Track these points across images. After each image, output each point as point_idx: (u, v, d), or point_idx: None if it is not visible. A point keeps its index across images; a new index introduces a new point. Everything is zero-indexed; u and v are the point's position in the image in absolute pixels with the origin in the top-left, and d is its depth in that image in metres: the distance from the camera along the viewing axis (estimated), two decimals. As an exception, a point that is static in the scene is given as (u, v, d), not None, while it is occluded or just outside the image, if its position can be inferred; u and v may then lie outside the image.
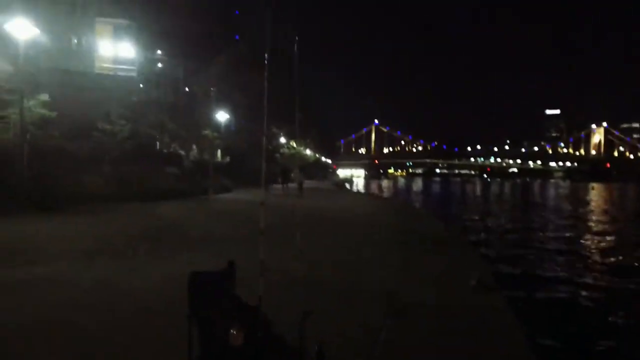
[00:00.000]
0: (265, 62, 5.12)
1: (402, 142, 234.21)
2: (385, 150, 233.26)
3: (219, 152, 41.43)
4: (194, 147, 39.00)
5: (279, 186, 36.87)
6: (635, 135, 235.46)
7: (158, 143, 33.53)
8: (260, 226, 5.50)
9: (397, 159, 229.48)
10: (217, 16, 45.94)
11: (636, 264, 14.91)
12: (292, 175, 44.72)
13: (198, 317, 4.30)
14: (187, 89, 41.36)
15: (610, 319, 9.10)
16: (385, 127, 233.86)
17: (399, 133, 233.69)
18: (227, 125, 38.61)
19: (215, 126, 35.06)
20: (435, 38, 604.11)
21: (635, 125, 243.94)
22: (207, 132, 34.99)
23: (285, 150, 56.81)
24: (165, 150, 34.72)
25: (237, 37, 49.64)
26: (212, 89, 32.70)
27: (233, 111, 39.60)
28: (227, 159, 41.73)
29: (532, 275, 12.68)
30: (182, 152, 37.21)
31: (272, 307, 5.49)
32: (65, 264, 9.21)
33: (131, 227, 14.19)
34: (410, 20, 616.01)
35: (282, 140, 57.45)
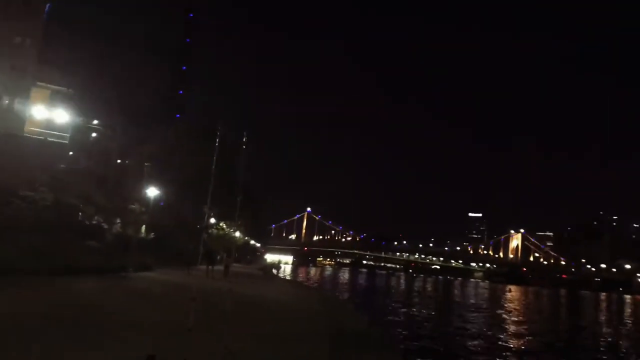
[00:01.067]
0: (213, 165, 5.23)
1: (332, 232, 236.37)
2: (315, 238, 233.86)
3: (143, 228, 40.08)
4: (118, 220, 37.59)
5: (204, 267, 35.79)
6: (549, 243, 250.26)
7: (81, 214, 32.10)
8: (190, 322, 5.26)
9: (326, 248, 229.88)
10: (159, 93, 46.39)
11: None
12: (219, 257, 43.68)
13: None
14: (119, 161, 40.51)
15: None
16: (317, 216, 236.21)
17: (329, 222, 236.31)
18: (156, 201, 37.75)
19: (144, 201, 34.17)
20: (372, 133, 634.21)
21: (549, 234, 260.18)
22: (134, 206, 33.97)
23: (214, 231, 55.76)
24: (87, 222, 33.20)
25: (178, 115, 50.04)
26: (145, 164, 32.23)
27: (164, 188, 38.97)
28: (152, 235, 40.36)
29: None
30: (105, 225, 35.69)
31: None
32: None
33: (42, 306, 13.10)
34: (352, 117, 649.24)
35: (212, 220, 56.62)
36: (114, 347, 9.22)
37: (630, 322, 41.93)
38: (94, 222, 34.56)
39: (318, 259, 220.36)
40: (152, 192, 34.03)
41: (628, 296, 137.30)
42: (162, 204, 42.48)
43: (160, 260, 33.71)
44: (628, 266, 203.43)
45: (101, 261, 24.71)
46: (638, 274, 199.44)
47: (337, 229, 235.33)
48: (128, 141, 40.18)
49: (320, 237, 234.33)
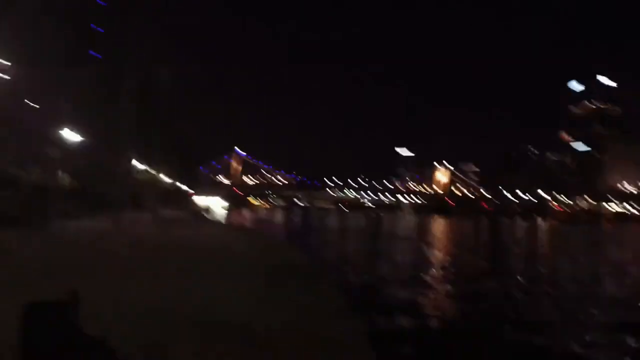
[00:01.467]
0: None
1: (265, 173, 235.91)
2: (247, 180, 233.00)
3: (63, 175, 37.98)
4: (35, 168, 35.31)
5: (131, 214, 34.71)
6: (472, 176, 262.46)
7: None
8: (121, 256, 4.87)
9: (259, 189, 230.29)
10: (75, 28, 42.75)
11: (470, 291, 16.33)
12: (146, 202, 42.42)
13: (36, 352, 3.80)
14: (34, 105, 37.56)
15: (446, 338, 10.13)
16: (248, 157, 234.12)
17: (261, 163, 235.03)
18: (77, 146, 35.61)
19: (63, 146, 32.12)
20: (299, 74, 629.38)
21: (473, 166, 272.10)
22: (52, 152, 31.93)
23: (140, 176, 53.86)
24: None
25: (95, 53, 46.55)
26: (62, 105, 30.06)
27: (84, 131, 36.75)
28: (73, 182, 38.39)
29: (383, 301, 13.63)
30: (20, 173, 33.45)
31: (122, 339, 5.11)
32: None
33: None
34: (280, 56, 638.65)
35: (137, 164, 54.55)
36: (38, 293, 8.61)
37: (542, 245, 45.26)
38: (8, 170, 32.30)
39: (251, 200, 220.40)
40: (72, 136, 31.98)
41: (543, 222, 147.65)
42: (83, 149, 40.24)
43: (83, 208, 32.31)
44: (544, 194, 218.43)
45: (17, 211, 23.24)
46: (552, 201, 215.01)
47: (269, 169, 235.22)
48: (43, 82, 37.16)
49: (252, 178, 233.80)
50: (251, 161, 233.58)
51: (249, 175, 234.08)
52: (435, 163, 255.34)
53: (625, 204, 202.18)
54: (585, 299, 15.13)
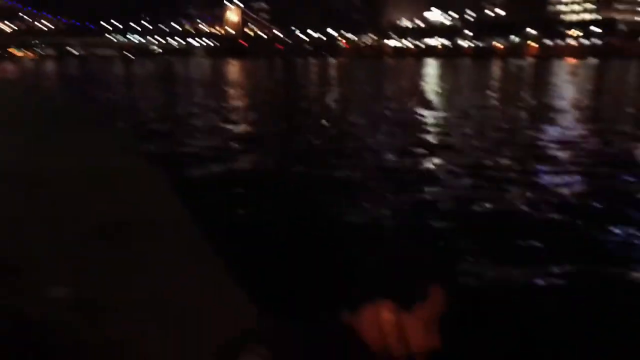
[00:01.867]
0: None
1: (24, 16, 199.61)
2: (3, 27, 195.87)
3: None
4: None
5: None
6: (264, 15, 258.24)
7: None
8: None
9: (20, 37, 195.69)
10: None
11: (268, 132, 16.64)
12: None
13: None
14: None
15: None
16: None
17: (14, 3, 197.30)
18: None
19: None
20: None
21: (264, 5, 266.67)
22: None
23: None
24: None
25: None
26: None
27: None
28: None
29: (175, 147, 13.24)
30: None
31: None
32: None
33: None
34: None
35: None
36: None
37: (333, 82, 47.82)
38: None
39: (13, 51, 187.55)
40: None
41: (333, 59, 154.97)
42: None
43: None
44: (333, 32, 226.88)
45: None
46: (340, 39, 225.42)
47: (29, 12, 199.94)
48: None
49: (9, 24, 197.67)
50: (3, 2, 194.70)
51: (5, 21, 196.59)
52: (225, 1, 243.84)
53: (403, 40, 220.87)
54: (374, 126, 16.61)
